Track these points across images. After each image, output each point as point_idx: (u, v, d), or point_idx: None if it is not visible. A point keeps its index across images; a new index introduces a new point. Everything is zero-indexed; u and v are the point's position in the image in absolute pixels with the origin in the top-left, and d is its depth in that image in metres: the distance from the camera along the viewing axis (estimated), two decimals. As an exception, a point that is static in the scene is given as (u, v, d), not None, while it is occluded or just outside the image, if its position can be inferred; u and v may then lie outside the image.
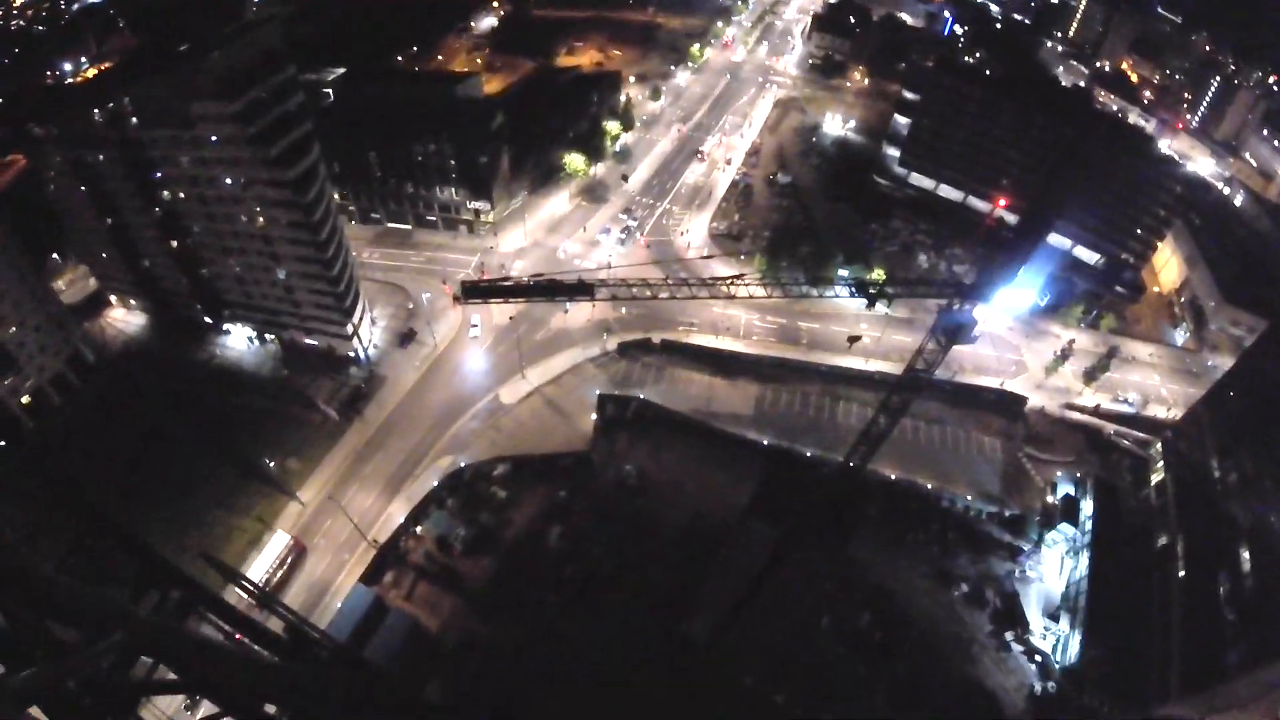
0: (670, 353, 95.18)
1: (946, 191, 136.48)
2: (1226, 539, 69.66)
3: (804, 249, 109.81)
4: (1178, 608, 69.95)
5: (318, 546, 75.29)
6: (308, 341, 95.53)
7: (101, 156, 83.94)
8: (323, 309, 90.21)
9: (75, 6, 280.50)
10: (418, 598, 70.86)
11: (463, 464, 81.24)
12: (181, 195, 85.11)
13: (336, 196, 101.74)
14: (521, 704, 62.33)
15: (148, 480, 77.62)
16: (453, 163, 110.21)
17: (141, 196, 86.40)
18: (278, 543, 73.14)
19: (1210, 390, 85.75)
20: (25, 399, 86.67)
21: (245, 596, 53.49)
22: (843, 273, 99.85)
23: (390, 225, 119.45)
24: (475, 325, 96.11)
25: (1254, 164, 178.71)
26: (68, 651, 6.64)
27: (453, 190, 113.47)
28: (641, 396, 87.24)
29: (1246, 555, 67.02)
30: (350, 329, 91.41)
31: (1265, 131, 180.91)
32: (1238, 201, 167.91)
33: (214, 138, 77.88)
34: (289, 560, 72.79)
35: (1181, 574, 72.34)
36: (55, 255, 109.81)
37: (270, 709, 9.45)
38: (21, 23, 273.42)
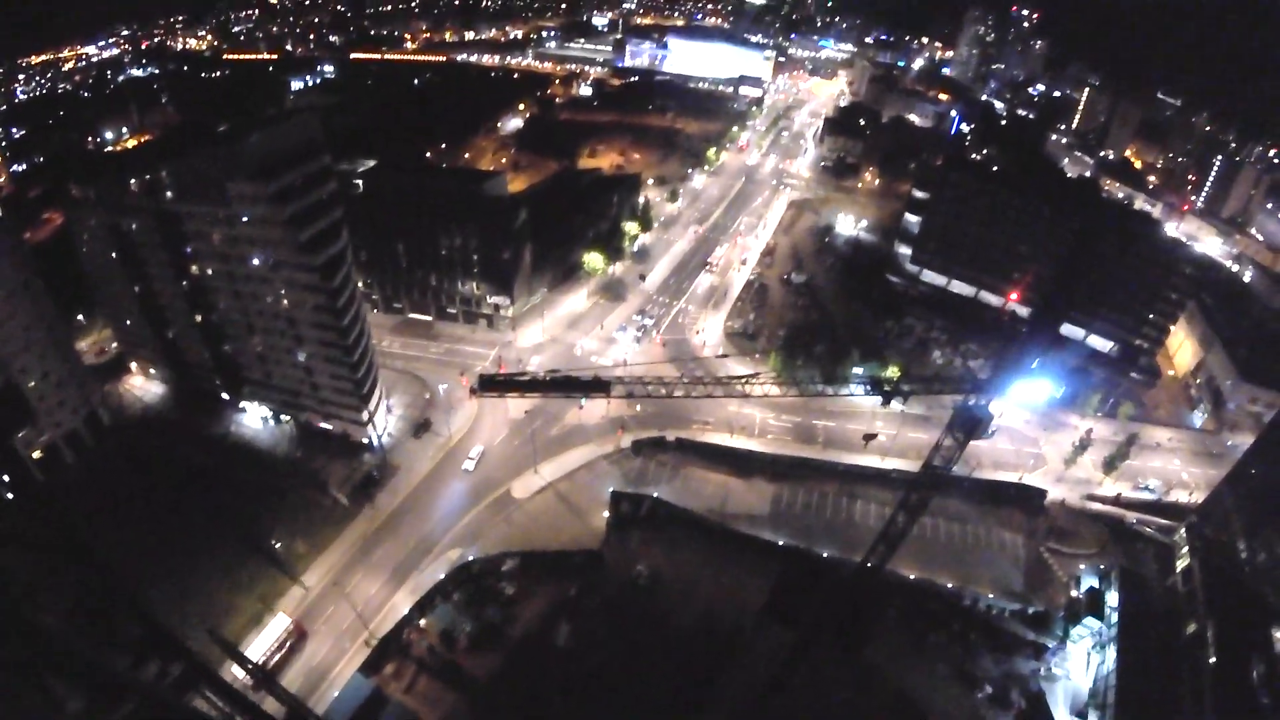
0: (685, 451, 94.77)
1: (959, 287, 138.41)
2: (1257, 621, 67.62)
3: (819, 347, 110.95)
4: (1210, 695, 66.95)
5: (318, 632, 73.62)
6: (323, 425, 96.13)
7: (135, 225, 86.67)
8: (341, 393, 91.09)
9: (121, 78, 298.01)
10: (418, 692, 68.51)
11: (471, 557, 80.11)
12: (211, 270, 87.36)
13: (361, 284, 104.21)
14: None
15: (153, 546, 76.81)
16: (476, 257, 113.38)
17: (172, 267, 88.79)
18: (278, 625, 71.69)
19: (1232, 470, 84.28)
20: (38, 453, 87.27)
21: (244, 677, 52.24)
22: (858, 370, 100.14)
23: (412, 315, 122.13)
24: (471, 459, 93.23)
25: (1261, 239, 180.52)
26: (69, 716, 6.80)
27: (475, 284, 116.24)
28: (655, 495, 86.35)
29: (1279, 636, 64.87)
30: (366, 415, 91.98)
31: (1270, 205, 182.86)
32: (1247, 278, 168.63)
33: (246, 217, 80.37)
34: (288, 643, 71.17)
35: (1212, 660, 69.50)
36: (81, 316, 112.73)
37: None
38: (68, 86, 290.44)
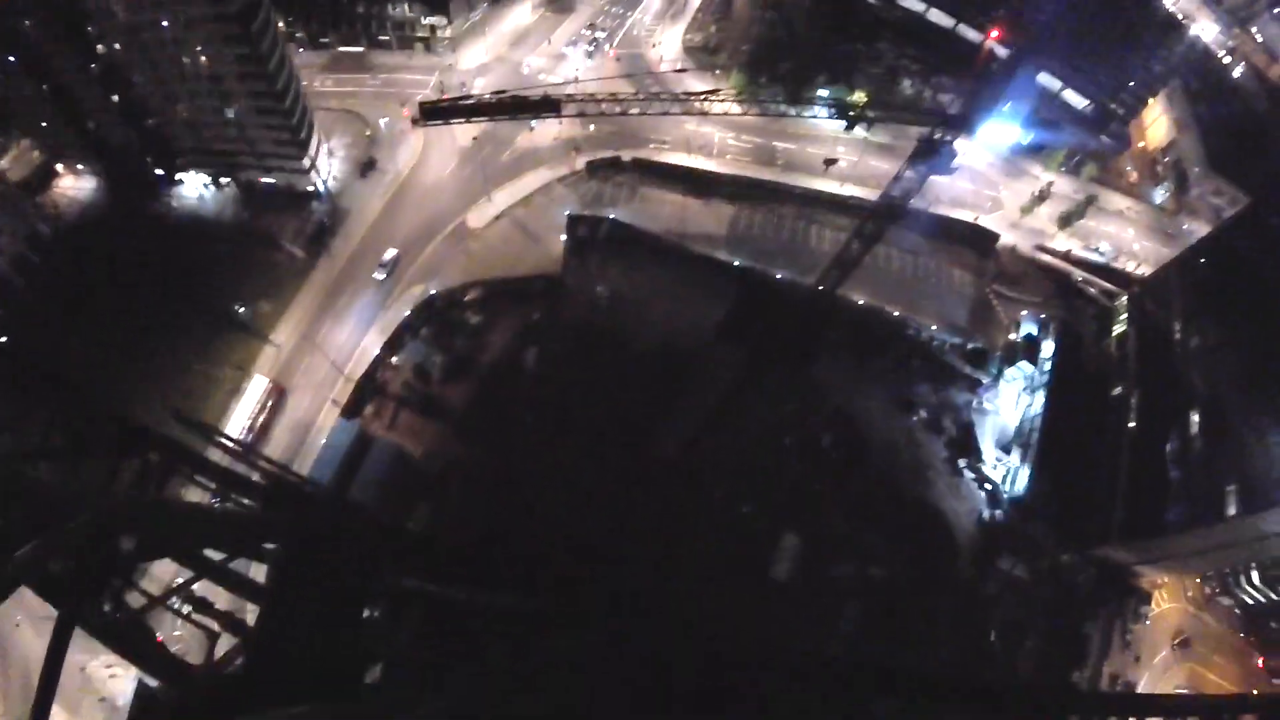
0: (642, 171, 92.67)
1: (938, 16, 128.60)
2: (1179, 400, 72.65)
3: (784, 66, 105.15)
4: (1126, 457, 73.66)
5: (297, 386, 75.65)
6: (265, 181, 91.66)
7: (29, 21, 77.81)
8: (278, 144, 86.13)
9: None
10: (400, 427, 72.62)
11: (434, 291, 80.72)
12: (119, 45, 79.48)
13: (282, 23, 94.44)
14: (503, 523, 65.32)
15: (121, 344, 76.01)
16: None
17: (78, 53, 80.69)
18: (256, 387, 73.47)
19: (1182, 254, 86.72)
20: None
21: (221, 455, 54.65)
22: (823, 93, 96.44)
23: (342, 49, 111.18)
24: (383, 265, 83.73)
25: (1260, 40, 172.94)
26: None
27: (406, 5, 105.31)
28: (613, 216, 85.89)
29: (1196, 419, 70.25)
30: (308, 162, 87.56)
31: (1277, 10, 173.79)
32: (1237, 74, 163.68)
33: None
34: (270, 404, 73.37)
35: (1132, 425, 75.73)
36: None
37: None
38: None
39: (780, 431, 74.28)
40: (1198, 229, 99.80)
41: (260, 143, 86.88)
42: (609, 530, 65.14)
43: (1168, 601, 70.54)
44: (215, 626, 9.40)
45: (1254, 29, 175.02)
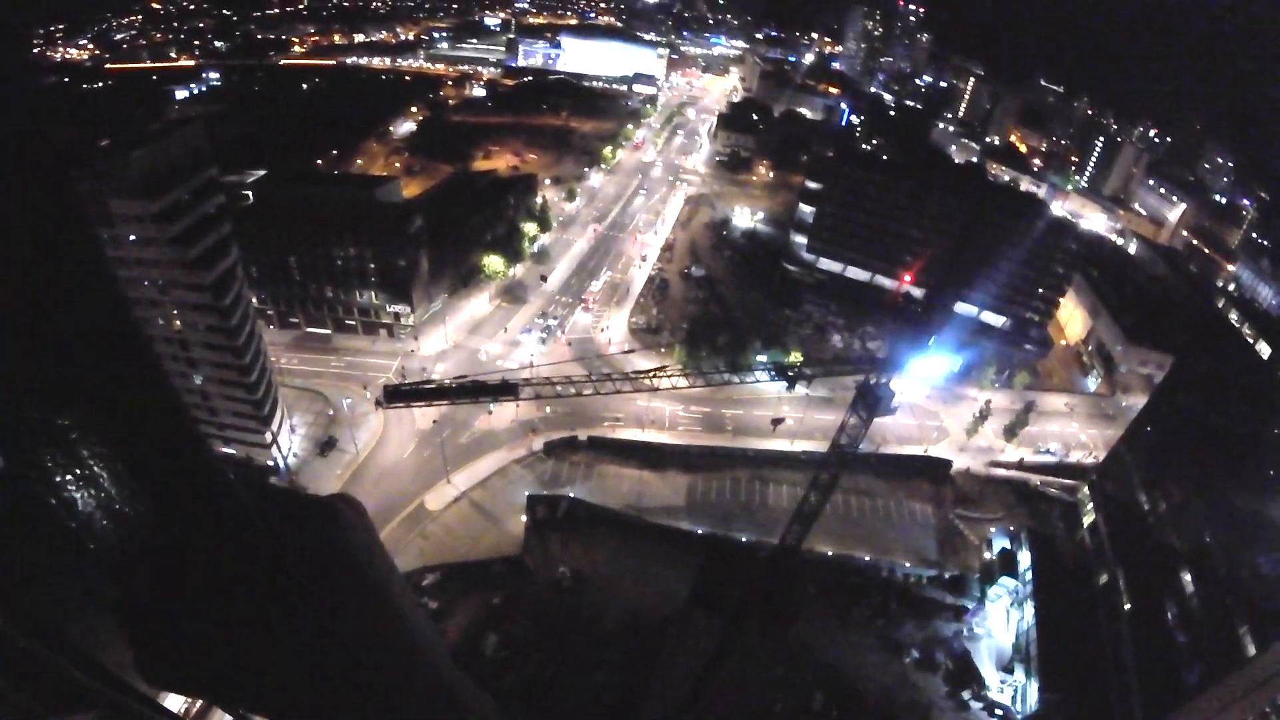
0: (597, 449, 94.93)
1: (854, 273, 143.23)
2: (1166, 565, 72.57)
3: (721, 338, 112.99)
4: (1129, 639, 72.03)
5: None
6: (225, 452, 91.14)
7: None
8: (240, 416, 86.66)
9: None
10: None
11: (389, 576, 77.55)
12: None
13: (255, 300, 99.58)
14: None
15: None
16: (372, 266, 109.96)
17: None
18: None
19: (1128, 429, 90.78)
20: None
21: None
22: (761, 358, 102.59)
23: (309, 330, 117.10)
24: None
25: (1143, 213, 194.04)
26: None
27: (372, 294, 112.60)
28: (571, 495, 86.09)
29: (1187, 577, 69.83)
30: (269, 437, 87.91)
31: (1150, 181, 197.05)
32: (1132, 250, 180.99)
33: (132, 237, 75.14)
34: None
35: (1127, 606, 74.80)
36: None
37: None
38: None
39: (769, 698, 69.59)
40: (1135, 402, 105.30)
41: (223, 413, 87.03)
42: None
43: None
44: None
45: (1135, 205, 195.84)
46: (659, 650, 69.87)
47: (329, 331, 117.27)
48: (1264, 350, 72.57)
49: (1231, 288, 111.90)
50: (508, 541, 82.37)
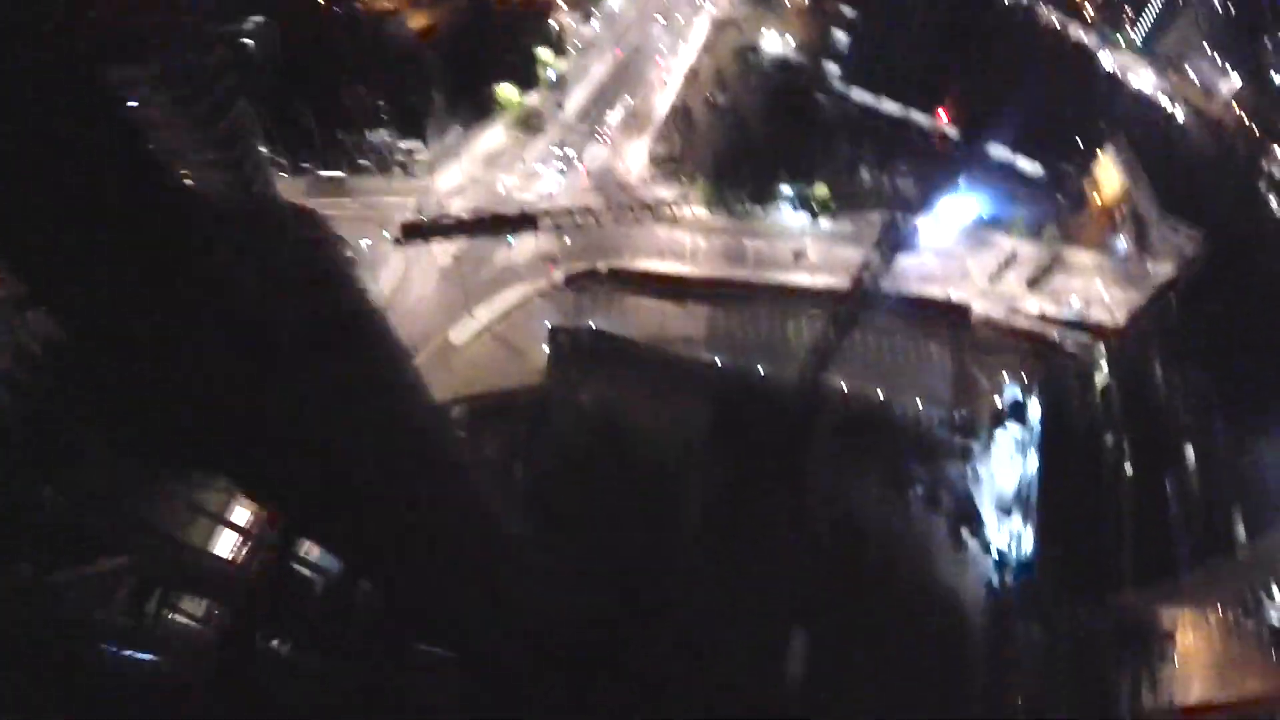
0: (618, 281, 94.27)
1: (889, 106, 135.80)
2: (1171, 438, 73.39)
3: (746, 168, 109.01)
4: (1127, 503, 73.60)
5: None
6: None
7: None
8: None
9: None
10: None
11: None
12: None
13: (265, 149, 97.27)
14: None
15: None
16: (382, 104, 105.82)
17: None
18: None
19: (1151, 297, 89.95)
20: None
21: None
22: (786, 190, 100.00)
23: (322, 174, 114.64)
24: None
25: (1196, 81, 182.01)
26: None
27: (384, 132, 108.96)
28: (593, 326, 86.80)
29: (1191, 455, 70.86)
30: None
31: (1208, 48, 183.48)
32: (1179, 117, 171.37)
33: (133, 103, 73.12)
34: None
35: (1129, 471, 75.76)
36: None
37: None
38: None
39: (779, 529, 73.21)
40: (1162, 271, 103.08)
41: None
42: (614, 641, 63.07)
43: (1193, 637, 68.56)
44: None
45: (1188, 70, 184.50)
46: (679, 478, 73.04)
47: (343, 174, 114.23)
48: (1301, 244, 69.61)
49: (1277, 174, 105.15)
50: (532, 374, 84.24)
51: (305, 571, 37.45)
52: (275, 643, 32.31)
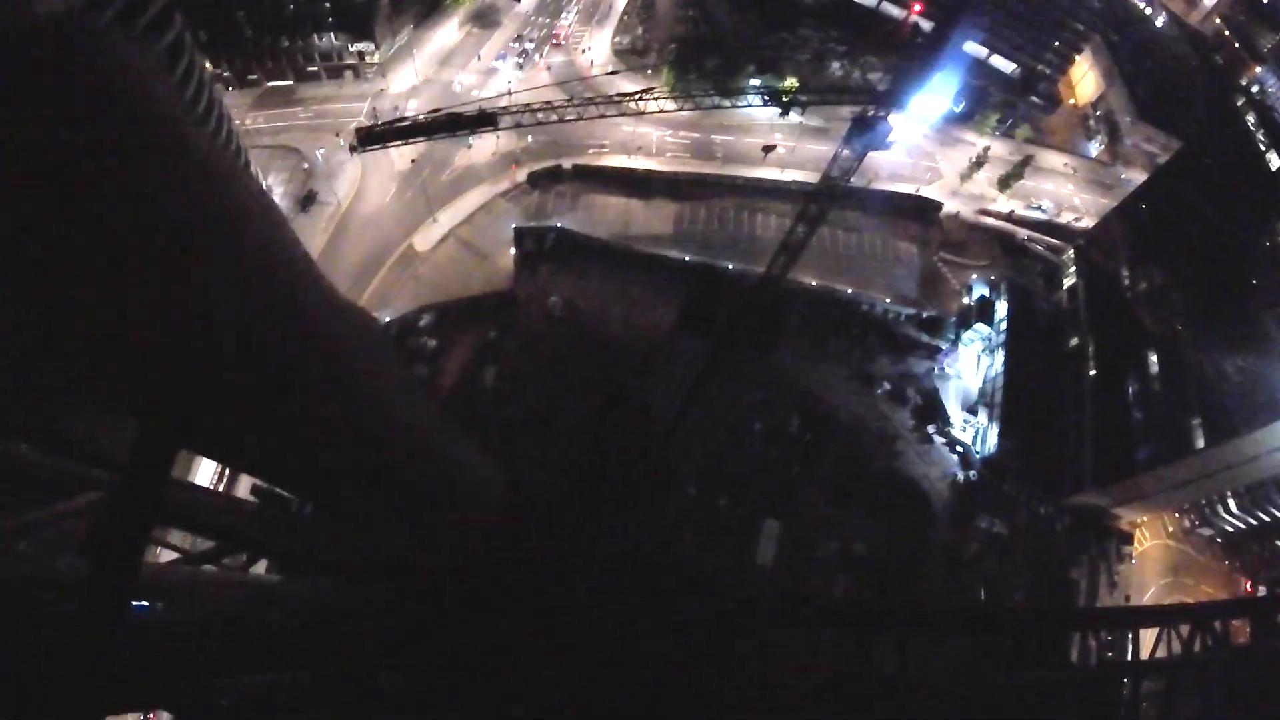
0: (583, 178, 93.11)
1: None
2: (1135, 344, 75.61)
3: (712, 60, 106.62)
4: (1089, 405, 76.11)
5: None
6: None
7: None
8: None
9: None
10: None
11: (388, 319, 79.99)
12: None
13: (209, 65, 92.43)
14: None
15: None
16: (327, 5, 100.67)
17: None
18: None
19: (1122, 202, 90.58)
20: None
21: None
22: (754, 82, 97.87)
23: (270, 84, 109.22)
24: None
25: None
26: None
27: (331, 35, 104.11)
28: (559, 225, 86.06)
29: (1154, 359, 73.18)
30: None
31: None
32: (1159, 23, 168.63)
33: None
34: None
35: (1093, 373, 78.31)
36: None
37: None
38: None
39: (749, 419, 75.02)
40: (1134, 177, 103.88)
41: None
42: (588, 536, 64.80)
43: (1149, 540, 72.83)
44: None
45: None
46: (648, 373, 73.99)
47: (291, 83, 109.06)
48: (1273, 161, 71.11)
49: (1254, 90, 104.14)
50: (498, 276, 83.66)
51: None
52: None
